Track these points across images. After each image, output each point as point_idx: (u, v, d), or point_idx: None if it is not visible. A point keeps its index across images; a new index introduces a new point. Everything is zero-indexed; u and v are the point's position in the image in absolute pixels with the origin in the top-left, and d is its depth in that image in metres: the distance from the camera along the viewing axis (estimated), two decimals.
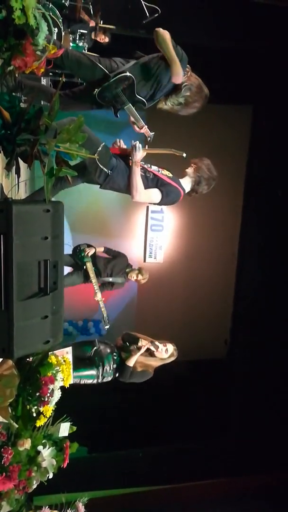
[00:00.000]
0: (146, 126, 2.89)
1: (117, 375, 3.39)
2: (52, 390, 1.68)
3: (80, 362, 3.27)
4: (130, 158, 2.72)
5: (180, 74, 2.59)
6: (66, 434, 1.91)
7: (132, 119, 2.83)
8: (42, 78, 3.91)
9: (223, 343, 7.38)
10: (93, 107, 2.88)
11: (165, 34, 2.51)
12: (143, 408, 6.49)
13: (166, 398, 6.68)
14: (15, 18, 1.45)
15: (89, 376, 3.31)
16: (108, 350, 3.39)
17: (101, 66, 2.63)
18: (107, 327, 4.35)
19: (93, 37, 4.88)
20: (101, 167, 2.63)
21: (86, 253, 4.44)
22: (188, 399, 6.67)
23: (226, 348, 7.40)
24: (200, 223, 7.10)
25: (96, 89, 2.65)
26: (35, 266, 1.46)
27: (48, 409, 1.69)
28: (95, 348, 3.39)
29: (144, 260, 7.09)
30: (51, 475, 1.79)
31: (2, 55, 1.53)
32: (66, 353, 2.01)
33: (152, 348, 3.38)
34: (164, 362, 3.50)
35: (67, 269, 4.54)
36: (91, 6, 4.62)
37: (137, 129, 2.89)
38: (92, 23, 4.65)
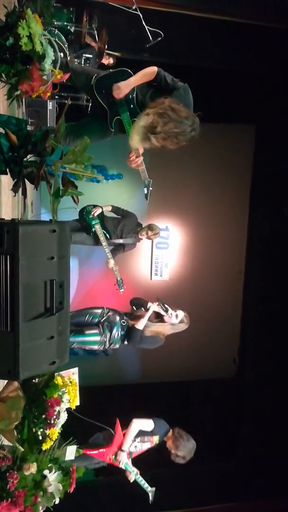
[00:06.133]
0: (141, 156, 2.73)
1: (125, 342, 3.39)
2: (58, 412, 1.65)
3: (87, 328, 3.30)
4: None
5: (121, 87, 2.52)
6: (73, 458, 1.87)
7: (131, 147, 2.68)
8: (48, 101, 3.99)
9: (232, 362, 7.28)
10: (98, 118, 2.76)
11: (150, 73, 2.56)
12: None
13: (174, 418, 6.56)
14: (22, 44, 1.49)
15: (94, 342, 3.37)
16: (117, 317, 3.43)
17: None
18: (122, 290, 4.18)
19: (98, 60, 5.00)
20: None
21: (93, 213, 4.21)
22: (196, 419, 6.54)
23: (235, 368, 7.29)
24: (206, 240, 7.11)
25: (94, 76, 2.62)
26: (41, 286, 1.46)
27: (54, 432, 1.66)
28: (103, 314, 3.44)
29: (151, 278, 7.07)
30: (57, 501, 1.74)
31: (10, 80, 1.57)
32: (73, 374, 1.99)
33: (162, 311, 3.38)
34: (175, 330, 3.49)
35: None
36: (95, 31, 4.75)
37: (134, 162, 2.75)
38: (94, 44, 4.76)
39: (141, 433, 3.39)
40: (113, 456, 3.32)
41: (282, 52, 5.44)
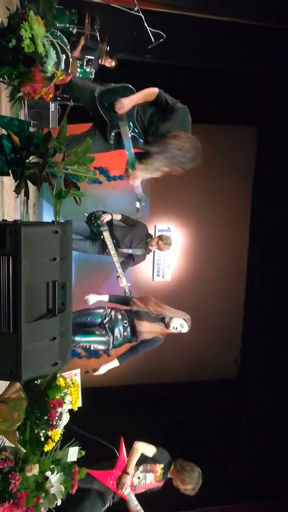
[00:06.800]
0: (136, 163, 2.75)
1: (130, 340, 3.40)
2: (61, 413, 1.65)
3: (90, 328, 3.33)
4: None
5: (124, 103, 2.59)
6: (75, 459, 1.87)
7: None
8: (50, 103, 4.00)
9: (234, 362, 7.27)
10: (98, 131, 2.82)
11: (151, 93, 2.61)
12: (151, 431, 6.36)
13: (176, 419, 6.55)
14: (24, 46, 1.50)
15: (100, 342, 3.35)
16: (119, 316, 3.39)
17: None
18: None
19: (100, 62, 5.01)
20: None
21: (102, 219, 3.98)
22: (198, 420, 6.53)
23: (236, 368, 7.28)
24: (207, 242, 7.11)
25: (98, 89, 2.67)
26: (44, 287, 1.46)
27: (56, 433, 1.66)
28: (105, 315, 3.41)
29: (153, 279, 7.07)
30: (59, 502, 1.74)
31: (12, 82, 1.58)
32: (75, 375, 1.99)
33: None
34: (174, 331, 3.47)
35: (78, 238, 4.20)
36: (97, 33, 4.76)
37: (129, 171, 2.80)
38: (76, 53, 4.66)
39: (143, 460, 3.24)
40: (116, 481, 3.13)
41: (283, 53, 5.43)
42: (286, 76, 5.72)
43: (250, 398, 6.87)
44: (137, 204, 2.93)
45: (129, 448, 3.25)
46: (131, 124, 2.68)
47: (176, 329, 3.38)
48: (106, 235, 3.95)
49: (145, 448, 3.24)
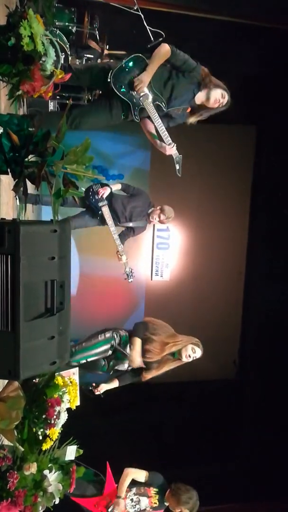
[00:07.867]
0: (169, 139, 2.77)
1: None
2: (59, 412, 1.65)
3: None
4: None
5: (143, 80, 2.55)
6: (73, 458, 1.87)
7: (148, 128, 2.76)
8: (49, 101, 4.00)
9: (232, 363, 7.27)
10: (111, 116, 2.74)
11: (165, 53, 2.58)
12: (150, 431, 6.37)
13: (174, 420, 6.55)
14: (23, 44, 1.50)
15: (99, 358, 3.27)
16: (122, 360, 3.27)
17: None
18: (131, 280, 3.84)
19: (99, 61, 5.00)
20: None
21: (101, 195, 3.80)
22: (196, 420, 6.54)
23: (235, 369, 7.29)
24: (206, 241, 7.11)
25: (110, 72, 2.55)
26: (42, 286, 1.46)
27: (55, 432, 1.67)
28: (106, 357, 3.28)
29: (151, 278, 7.07)
30: (57, 501, 1.75)
31: (11, 80, 1.58)
32: (73, 374, 1.99)
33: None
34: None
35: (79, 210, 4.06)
36: (97, 32, 4.75)
37: (158, 143, 2.82)
38: (96, 47, 4.70)
39: (136, 483, 3.08)
40: (106, 506, 2.94)
41: (283, 52, 5.44)
42: (285, 76, 5.73)
43: (249, 398, 6.88)
44: (177, 166, 2.92)
45: (117, 470, 3.08)
46: (152, 94, 2.60)
47: (190, 356, 3.22)
48: (105, 210, 3.76)
49: (136, 473, 3.09)
